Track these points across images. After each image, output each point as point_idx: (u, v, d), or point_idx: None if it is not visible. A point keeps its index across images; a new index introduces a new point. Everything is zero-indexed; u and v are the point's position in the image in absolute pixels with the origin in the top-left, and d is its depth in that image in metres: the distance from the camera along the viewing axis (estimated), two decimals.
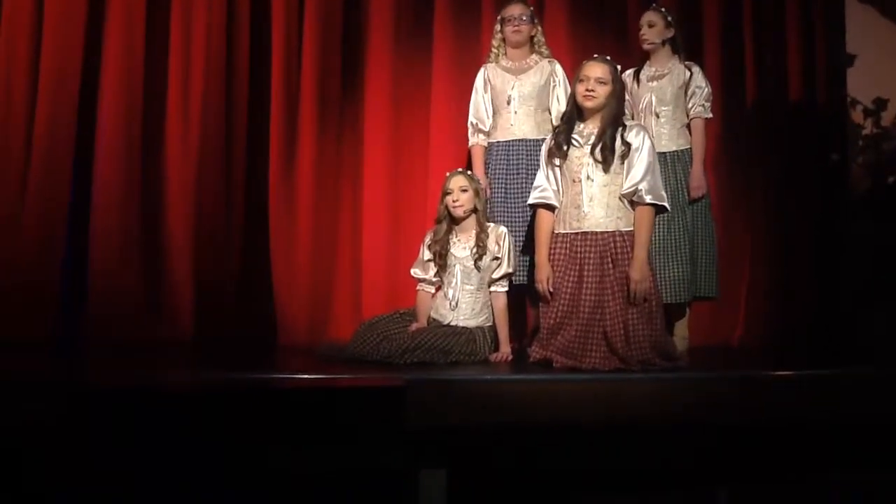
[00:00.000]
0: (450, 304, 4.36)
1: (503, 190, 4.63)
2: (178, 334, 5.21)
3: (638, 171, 4.02)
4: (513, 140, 4.67)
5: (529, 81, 4.70)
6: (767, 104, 5.57)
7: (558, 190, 4.12)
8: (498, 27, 4.80)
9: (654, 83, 4.69)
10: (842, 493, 3.52)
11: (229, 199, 5.42)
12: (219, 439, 3.37)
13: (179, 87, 5.38)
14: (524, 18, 4.73)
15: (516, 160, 4.63)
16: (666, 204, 4.09)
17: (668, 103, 4.66)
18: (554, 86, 4.71)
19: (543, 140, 4.29)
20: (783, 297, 5.41)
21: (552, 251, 4.10)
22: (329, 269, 5.42)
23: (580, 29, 5.49)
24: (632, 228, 4.03)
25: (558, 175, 4.12)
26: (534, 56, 4.78)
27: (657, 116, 4.66)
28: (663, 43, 4.73)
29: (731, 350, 5.25)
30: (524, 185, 4.42)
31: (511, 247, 4.39)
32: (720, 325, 5.35)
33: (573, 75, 4.22)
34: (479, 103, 4.78)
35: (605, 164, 4.03)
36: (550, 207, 4.13)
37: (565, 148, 4.10)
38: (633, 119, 4.52)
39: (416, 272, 4.48)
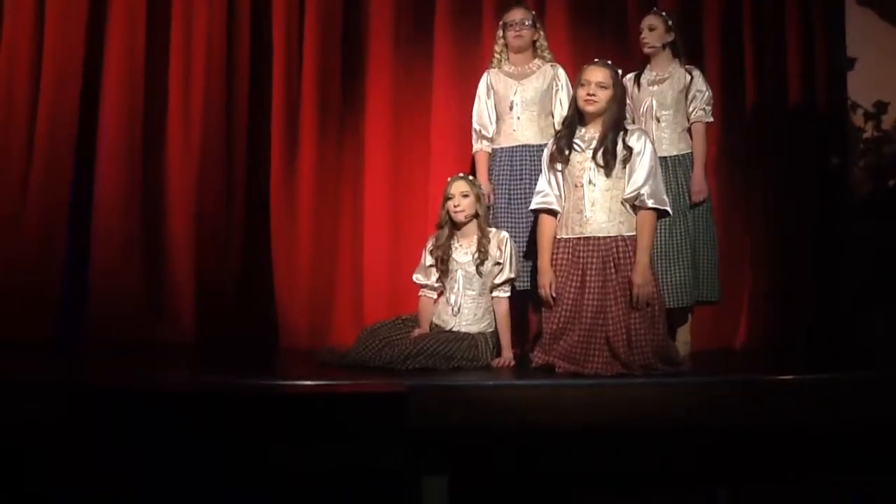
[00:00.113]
0: (452, 309, 4.36)
1: (507, 196, 4.62)
2: (179, 335, 5.22)
3: (640, 175, 4.03)
4: (516, 146, 4.66)
5: (532, 86, 4.69)
6: (767, 106, 5.57)
7: (560, 195, 4.12)
8: (500, 32, 4.79)
9: (655, 87, 4.69)
10: (842, 493, 3.53)
11: (230, 199, 5.42)
12: (219, 441, 3.39)
13: (180, 87, 5.39)
14: (526, 23, 4.72)
15: (520, 166, 4.62)
16: (668, 208, 4.09)
17: (669, 107, 4.66)
18: (557, 90, 4.70)
19: (546, 145, 4.29)
20: (783, 299, 5.41)
21: (554, 256, 4.10)
22: (330, 273, 5.42)
23: (581, 33, 5.48)
24: (634, 233, 4.03)
25: (560, 180, 4.13)
26: (536, 61, 4.77)
27: (658, 121, 4.65)
28: (664, 47, 4.72)
29: (733, 354, 5.25)
30: (528, 191, 4.40)
31: (513, 252, 4.38)
32: (722, 328, 5.34)
33: (574, 80, 4.23)
34: (482, 109, 4.77)
35: (607, 168, 4.03)
36: (552, 212, 4.13)
37: (567, 153, 4.10)
38: (633, 123, 4.52)
39: (417, 278, 4.48)
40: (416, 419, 3.33)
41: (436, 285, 4.44)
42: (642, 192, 4.02)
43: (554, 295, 4.05)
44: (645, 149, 4.05)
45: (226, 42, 5.45)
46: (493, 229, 4.43)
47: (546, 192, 4.14)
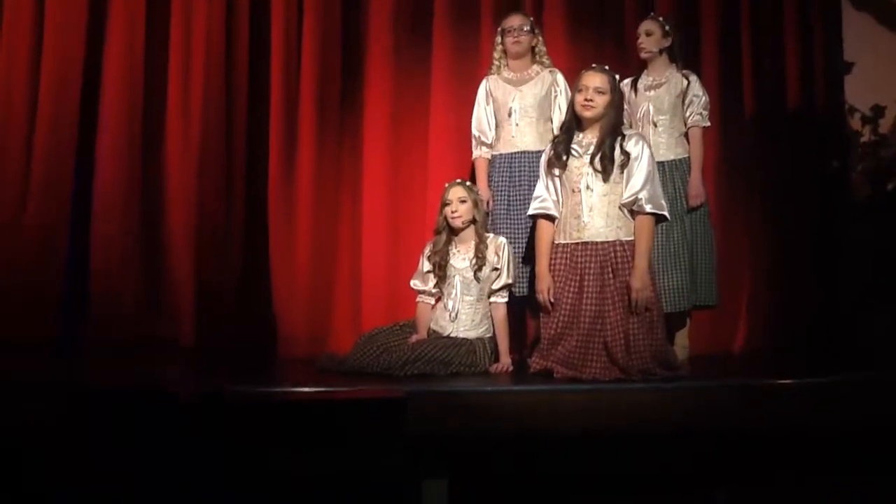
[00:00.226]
0: (450, 315, 4.37)
1: (506, 202, 4.62)
2: (179, 335, 5.22)
3: (637, 180, 4.04)
4: (515, 152, 4.66)
5: (531, 92, 4.69)
6: (765, 109, 5.56)
7: (558, 200, 4.13)
8: (498, 39, 4.78)
9: (652, 92, 4.70)
10: (842, 494, 3.55)
11: (230, 197, 5.41)
12: (219, 442, 3.40)
13: (180, 85, 5.38)
14: (525, 29, 4.72)
15: (518, 172, 4.62)
16: (666, 213, 4.09)
17: (666, 112, 4.67)
18: (555, 96, 4.69)
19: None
20: (782, 302, 5.40)
21: (553, 261, 4.10)
22: (328, 277, 5.40)
23: (579, 38, 5.46)
24: (632, 238, 4.04)
25: (558, 185, 4.13)
26: (535, 66, 4.77)
27: (655, 125, 4.66)
28: (661, 52, 4.73)
29: (732, 358, 5.24)
30: (527, 197, 4.37)
31: (510, 257, 4.39)
32: (720, 332, 5.33)
33: (572, 85, 4.23)
34: (482, 116, 4.77)
35: (605, 173, 4.04)
36: (550, 218, 4.13)
37: (564, 158, 4.11)
38: (631, 128, 4.52)
39: (415, 283, 4.48)
40: (414, 425, 3.34)
41: (433, 291, 4.44)
42: (640, 197, 4.02)
43: (552, 300, 4.05)
44: (642, 154, 4.06)
45: (225, 39, 5.43)
46: (491, 235, 4.44)
47: (544, 197, 4.14)
